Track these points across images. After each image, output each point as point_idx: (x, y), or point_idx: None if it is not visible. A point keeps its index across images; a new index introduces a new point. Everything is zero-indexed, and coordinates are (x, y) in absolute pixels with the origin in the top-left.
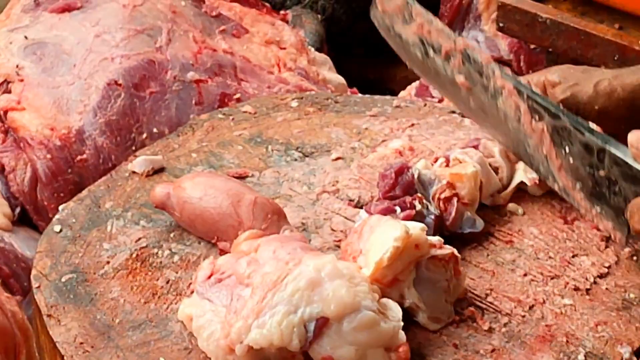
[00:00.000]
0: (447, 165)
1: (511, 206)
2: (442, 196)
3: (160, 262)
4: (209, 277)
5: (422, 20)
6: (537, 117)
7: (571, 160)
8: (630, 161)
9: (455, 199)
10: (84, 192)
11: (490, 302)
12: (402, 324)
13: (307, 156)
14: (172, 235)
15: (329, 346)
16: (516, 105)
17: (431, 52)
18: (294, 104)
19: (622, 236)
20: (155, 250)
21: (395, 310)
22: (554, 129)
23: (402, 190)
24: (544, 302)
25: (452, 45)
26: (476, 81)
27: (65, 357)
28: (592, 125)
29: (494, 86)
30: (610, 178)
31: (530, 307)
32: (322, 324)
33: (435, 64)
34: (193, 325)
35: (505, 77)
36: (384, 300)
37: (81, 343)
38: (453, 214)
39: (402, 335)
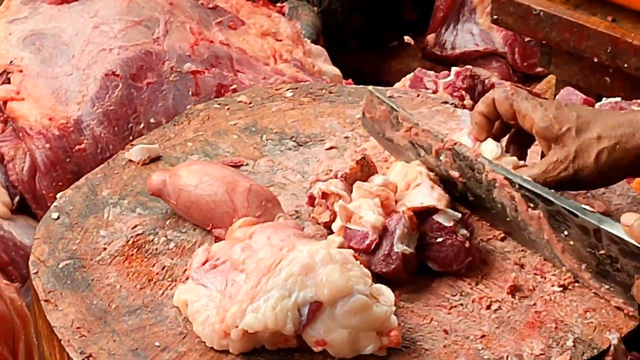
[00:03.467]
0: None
1: None
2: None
3: (156, 249)
4: (204, 263)
5: (409, 124)
6: (532, 205)
7: (572, 243)
8: (626, 238)
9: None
10: (82, 180)
11: (481, 289)
12: (394, 308)
13: (301, 145)
14: (167, 222)
15: (323, 330)
16: (510, 196)
17: (422, 153)
18: (289, 94)
19: (634, 310)
20: (151, 237)
21: (387, 295)
22: (550, 215)
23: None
24: (533, 289)
25: (440, 145)
26: (469, 175)
27: (62, 342)
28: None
29: (486, 179)
30: (611, 256)
31: (520, 294)
32: (316, 308)
33: (429, 163)
34: (188, 310)
35: (496, 169)
36: (377, 285)
37: (78, 328)
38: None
39: (394, 319)
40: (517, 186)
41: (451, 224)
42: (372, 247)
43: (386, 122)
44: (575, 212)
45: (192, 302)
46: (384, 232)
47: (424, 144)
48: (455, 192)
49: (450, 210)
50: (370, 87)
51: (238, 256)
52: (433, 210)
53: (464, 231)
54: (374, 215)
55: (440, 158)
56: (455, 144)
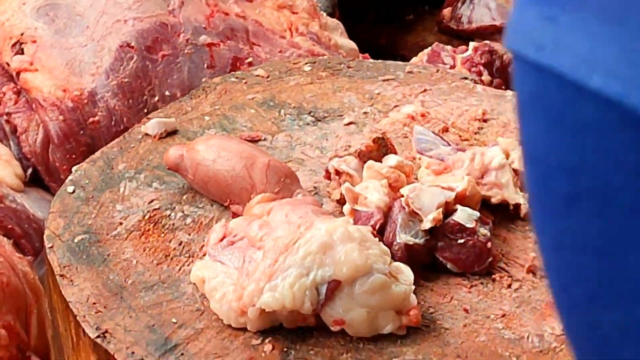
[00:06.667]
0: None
1: None
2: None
3: (173, 224)
4: (221, 239)
5: None
6: None
7: None
8: None
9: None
10: (97, 154)
11: (502, 268)
12: (413, 287)
13: (319, 120)
14: (184, 197)
15: (341, 309)
16: None
17: None
18: (307, 68)
19: None
20: (168, 212)
21: (407, 274)
22: None
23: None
24: None
25: None
26: None
27: (78, 317)
28: None
29: None
30: None
31: (542, 274)
32: (334, 286)
33: None
34: (205, 287)
35: None
36: (396, 263)
37: (94, 303)
38: None
39: (414, 298)
40: None
41: (472, 224)
42: (377, 227)
43: None
44: None
45: (209, 279)
46: (388, 219)
47: None
48: None
49: (468, 209)
50: None
51: (255, 233)
52: (451, 209)
53: (484, 230)
54: (379, 196)
55: None
56: None
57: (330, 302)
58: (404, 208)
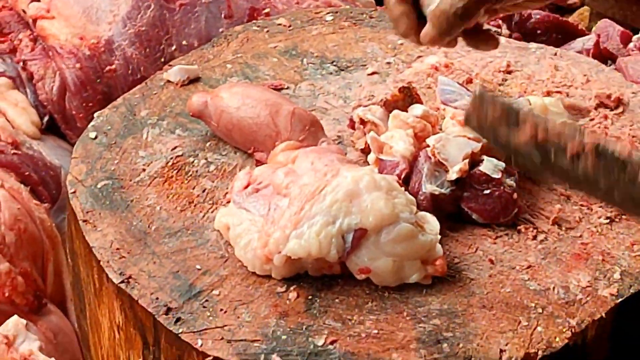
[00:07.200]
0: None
1: None
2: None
3: (196, 171)
4: (246, 187)
5: (533, 123)
6: None
7: None
8: None
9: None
10: (119, 100)
11: (527, 219)
12: (439, 237)
13: (342, 70)
14: (208, 144)
15: (367, 257)
16: None
17: (552, 156)
18: (329, 17)
19: None
20: (191, 159)
21: (432, 224)
22: None
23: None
24: (580, 220)
25: (579, 145)
26: (618, 177)
27: (101, 262)
28: None
29: None
30: None
31: (566, 225)
32: (360, 235)
33: (562, 165)
34: (230, 234)
35: None
36: (422, 213)
37: (117, 249)
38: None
39: (439, 248)
40: None
41: (498, 175)
42: (403, 176)
43: (501, 122)
44: None
45: (234, 226)
46: (413, 168)
47: (554, 145)
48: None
49: (494, 160)
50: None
51: (281, 181)
52: (477, 159)
53: (510, 181)
54: (404, 145)
55: (579, 160)
56: (600, 141)
57: (356, 251)
58: (430, 158)
